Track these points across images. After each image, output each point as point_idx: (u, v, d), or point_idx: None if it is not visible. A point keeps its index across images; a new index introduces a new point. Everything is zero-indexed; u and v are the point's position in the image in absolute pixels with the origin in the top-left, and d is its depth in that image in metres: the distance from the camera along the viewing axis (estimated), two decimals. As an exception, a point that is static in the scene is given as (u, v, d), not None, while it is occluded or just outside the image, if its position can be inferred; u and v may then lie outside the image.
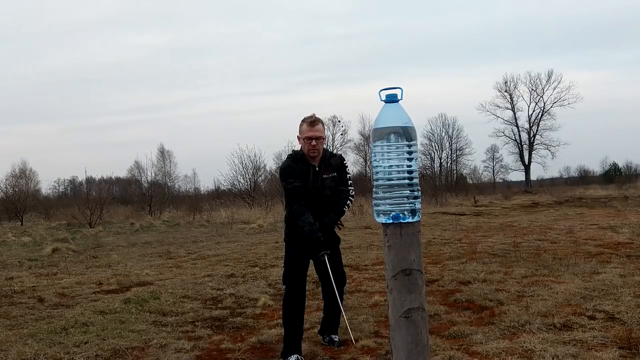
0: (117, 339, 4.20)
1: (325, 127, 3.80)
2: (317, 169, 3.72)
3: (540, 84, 52.50)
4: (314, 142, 3.65)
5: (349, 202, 3.83)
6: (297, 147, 3.87)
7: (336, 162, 3.80)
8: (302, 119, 3.74)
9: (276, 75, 77.89)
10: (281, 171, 3.80)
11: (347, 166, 3.88)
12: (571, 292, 5.09)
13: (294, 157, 3.76)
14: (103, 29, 79.49)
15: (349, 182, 3.85)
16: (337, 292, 3.78)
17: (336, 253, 3.85)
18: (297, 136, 3.77)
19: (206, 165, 77.51)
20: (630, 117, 75.99)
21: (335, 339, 3.94)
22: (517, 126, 53.55)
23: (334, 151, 3.92)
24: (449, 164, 52.50)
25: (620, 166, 55.11)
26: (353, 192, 3.86)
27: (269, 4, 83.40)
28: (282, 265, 3.94)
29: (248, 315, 4.94)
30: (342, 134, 44.98)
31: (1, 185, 27.73)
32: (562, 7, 73.90)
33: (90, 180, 40.35)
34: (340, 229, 3.89)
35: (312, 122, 3.68)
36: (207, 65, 79.06)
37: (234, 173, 30.22)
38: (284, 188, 3.83)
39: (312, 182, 3.69)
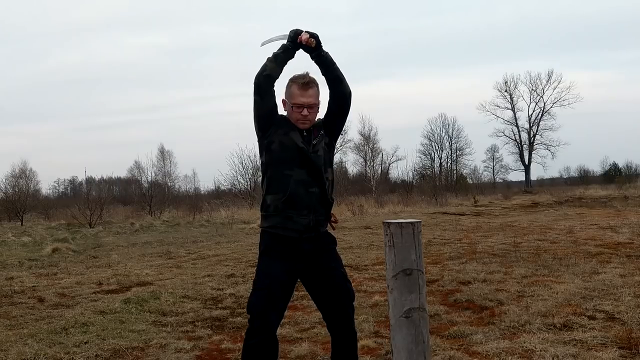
0: (117, 339, 4.20)
1: (320, 91, 2.84)
2: (305, 133, 2.79)
3: (540, 84, 52.66)
4: (305, 112, 2.75)
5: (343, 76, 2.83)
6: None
7: (322, 121, 2.91)
8: (292, 77, 2.80)
9: (276, 75, 77.82)
10: None
11: None
12: (571, 292, 5.09)
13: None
14: (103, 29, 79.69)
15: None
16: (341, 314, 2.83)
17: (335, 260, 2.87)
18: (283, 100, 2.83)
19: (206, 165, 77.77)
20: (630, 117, 76.35)
21: None
22: (517, 126, 53.71)
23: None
24: (449, 164, 52.57)
25: (620, 166, 55.21)
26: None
27: (268, 4, 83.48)
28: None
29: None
30: (342, 134, 44.97)
31: (1, 185, 27.81)
32: (562, 7, 74.04)
33: (90, 180, 40.39)
34: (334, 228, 2.96)
35: (305, 84, 2.75)
36: (207, 65, 79.24)
37: (234, 173, 30.27)
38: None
39: (301, 142, 2.76)
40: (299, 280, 2.86)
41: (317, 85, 2.82)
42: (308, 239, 2.73)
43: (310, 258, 2.76)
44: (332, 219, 2.89)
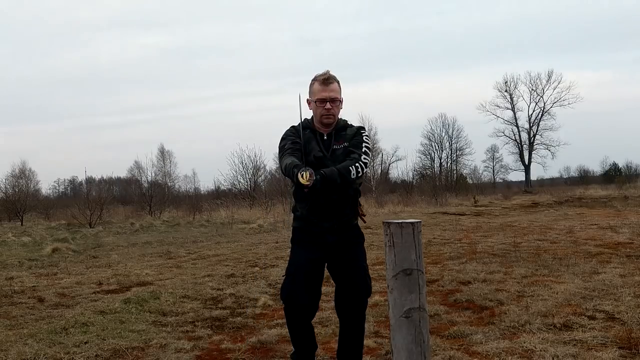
0: (117, 339, 4.19)
1: (342, 87, 3.06)
2: (325, 137, 3.02)
3: (540, 84, 52.70)
4: (328, 105, 2.97)
5: (358, 164, 2.92)
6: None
7: (352, 131, 3.06)
8: (314, 77, 3.03)
9: (276, 75, 78.17)
10: (282, 137, 3.07)
11: (364, 134, 3.06)
12: (571, 292, 5.08)
13: (302, 124, 3.06)
14: (104, 29, 79.71)
15: (364, 149, 2.99)
16: (353, 306, 3.07)
17: (358, 254, 3.11)
18: (307, 99, 3.06)
19: (206, 165, 77.77)
20: (630, 117, 76.33)
21: None
22: (517, 126, 53.75)
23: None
24: (449, 164, 52.55)
25: (620, 166, 55.26)
26: (365, 160, 2.97)
27: (269, 4, 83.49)
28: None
29: (248, 315, 4.94)
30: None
31: (1, 185, 27.78)
32: (562, 7, 74.06)
33: (90, 180, 40.45)
34: (364, 221, 3.19)
35: (325, 79, 2.97)
36: (207, 65, 79.21)
37: (234, 173, 30.37)
38: (279, 148, 3.04)
39: (318, 152, 2.98)
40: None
41: (338, 81, 3.02)
42: (332, 232, 3.00)
43: (334, 249, 3.02)
44: (361, 212, 3.13)
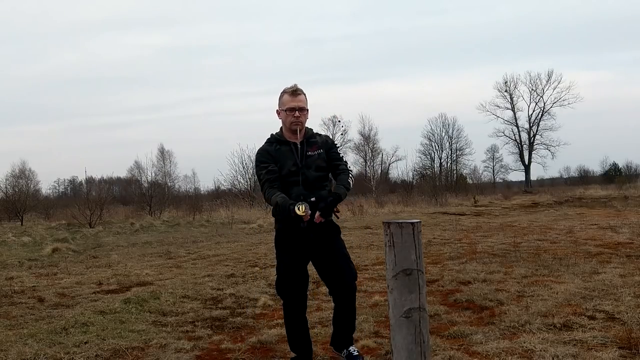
0: (117, 339, 4.20)
1: (308, 100, 3.42)
2: (298, 145, 3.34)
3: (540, 84, 52.77)
4: (297, 113, 3.31)
5: (350, 175, 3.44)
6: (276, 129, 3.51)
7: (322, 140, 3.44)
8: (283, 90, 3.38)
9: (276, 75, 78.08)
10: (255, 157, 3.43)
11: (337, 145, 3.52)
12: (571, 292, 5.08)
13: (270, 139, 3.42)
14: (104, 29, 79.75)
15: (344, 159, 3.52)
16: (344, 291, 3.37)
17: (338, 244, 3.42)
18: (277, 110, 3.42)
19: (206, 165, 77.72)
20: (630, 117, 76.35)
21: (355, 353, 3.46)
22: (517, 126, 53.81)
23: None
24: (449, 164, 52.63)
25: (620, 166, 55.29)
26: (350, 168, 3.50)
27: (269, 4, 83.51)
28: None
29: (248, 315, 4.94)
30: (342, 134, 45.07)
31: (1, 185, 27.73)
32: (562, 7, 74.05)
33: (90, 180, 40.33)
34: (338, 217, 3.46)
35: (294, 91, 3.33)
36: (207, 65, 79.30)
37: (234, 173, 30.26)
38: (257, 175, 3.43)
39: (292, 166, 3.30)
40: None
41: (304, 94, 3.38)
42: (311, 229, 3.25)
43: (315, 244, 3.31)
44: (335, 209, 3.36)
